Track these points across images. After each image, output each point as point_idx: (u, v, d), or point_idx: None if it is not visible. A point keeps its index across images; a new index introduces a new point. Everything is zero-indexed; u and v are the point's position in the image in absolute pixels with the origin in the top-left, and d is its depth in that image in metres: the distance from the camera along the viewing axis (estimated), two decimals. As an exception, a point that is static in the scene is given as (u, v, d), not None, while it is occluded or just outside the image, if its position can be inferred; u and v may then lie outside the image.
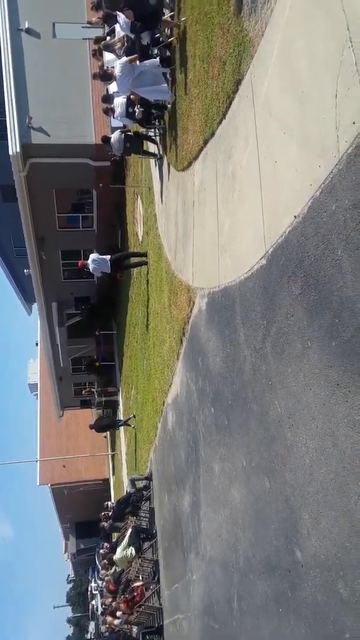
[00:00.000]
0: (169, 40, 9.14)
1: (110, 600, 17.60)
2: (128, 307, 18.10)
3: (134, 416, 17.41)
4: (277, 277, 4.65)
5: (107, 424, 21.23)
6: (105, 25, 11.16)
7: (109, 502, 19.48)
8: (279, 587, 4.80)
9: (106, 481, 38.17)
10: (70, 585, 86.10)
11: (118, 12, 8.86)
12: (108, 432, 28.73)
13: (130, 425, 18.32)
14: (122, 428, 22.95)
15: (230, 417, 6.28)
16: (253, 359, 5.35)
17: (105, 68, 9.93)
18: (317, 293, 3.91)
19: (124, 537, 14.25)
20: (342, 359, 3.57)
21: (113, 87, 10.16)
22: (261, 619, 5.35)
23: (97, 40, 10.78)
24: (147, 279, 13.30)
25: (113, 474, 32.66)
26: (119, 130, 11.47)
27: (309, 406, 4.10)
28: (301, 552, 4.28)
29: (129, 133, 11.41)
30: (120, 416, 22.96)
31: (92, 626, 69.10)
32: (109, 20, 10.33)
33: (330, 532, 3.80)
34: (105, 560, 18.32)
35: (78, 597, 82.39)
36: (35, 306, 29.36)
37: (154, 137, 11.28)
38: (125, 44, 9.55)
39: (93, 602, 55.83)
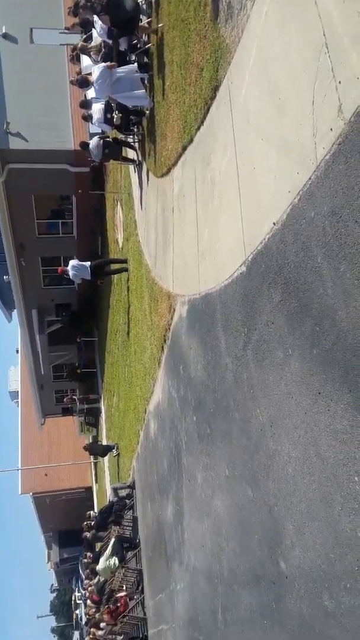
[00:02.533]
0: (147, 46, 9.10)
1: (93, 610, 17.38)
2: (109, 313, 17.98)
3: (117, 446, 17.40)
4: (257, 284, 4.61)
5: (99, 453, 20.99)
6: (83, 31, 11.09)
7: (92, 512, 19.23)
8: (263, 598, 4.73)
9: (89, 489, 37.82)
10: (54, 595, 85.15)
11: (95, 18, 8.80)
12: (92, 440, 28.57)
13: (113, 454, 18.27)
14: (104, 434, 22.80)
15: (212, 426, 6.22)
16: (234, 367, 5.30)
17: (82, 74, 9.84)
18: (298, 300, 3.87)
19: (107, 546, 14.07)
20: (323, 367, 3.54)
21: (91, 93, 10.08)
22: (246, 631, 5.28)
23: (75, 48, 10.71)
24: (127, 285, 13.21)
25: (96, 482, 32.37)
26: (98, 136, 11.40)
27: (290, 415, 4.05)
28: (285, 563, 4.23)
29: (108, 139, 11.35)
30: (104, 432, 22.94)
31: (76, 636, 68.34)
32: (87, 25, 10.26)
33: (314, 543, 3.75)
34: (88, 570, 18.08)
35: (62, 607, 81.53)
36: (15, 313, 29.00)
37: (132, 143, 11.22)
38: (102, 49, 9.49)
39: (77, 612, 55.28)
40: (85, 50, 10.10)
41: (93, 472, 34.50)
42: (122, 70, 8.92)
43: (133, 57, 9.29)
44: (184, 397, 7.61)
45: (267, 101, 4.27)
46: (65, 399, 29.80)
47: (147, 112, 9.39)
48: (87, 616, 20.11)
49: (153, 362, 9.97)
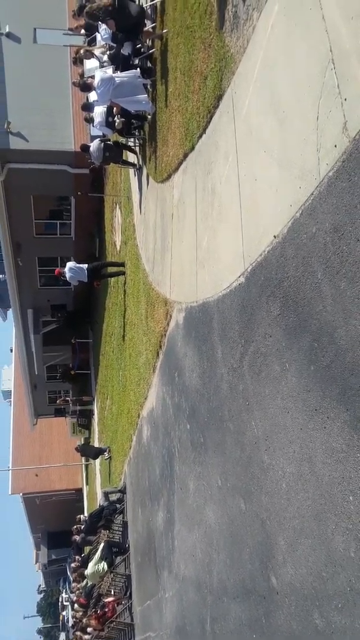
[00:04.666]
0: (150, 51, 9.09)
1: (81, 614, 17.29)
2: (105, 316, 17.92)
3: (109, 449, 17.35)
4: (256, 296, 4.59)
5: (91, 455, 20.87)
6: (87, 34, 11.08)
7: (82, 516, 19.13)
8: (253, 612, 4.70)
9: (79, 491, 37.66)
10: (41, 596, 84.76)
11: (100, 22, 8.78)
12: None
13: (105, 457, 18.20)
14: (97, 437, 22.72)
15: (206, 435, 6.18)
16: (230, 378, 5.28)
17: (85, 78, 9.83)
18: (296, 315, 3.85)
19: (96, 550, 14.00)
20: (320, 384, 3.51)
21: (93, 96, 10.06)
22: (234, 644, 5.24)
23: (78, 50, 10.70)
24: (124, 289, 13.17)
25: (87, 484, 32.23)
26: (99, 139, 11.37)
27: (286, 429, 4.03)
28: (276, 579, 4.20)
29: (109, 142, 11.32)
30: (96, 434, 22.85)
31: (62, 637, 67.98)
32: (91, 29, 10.25)
33: (306, 560, 3.72)
34: (76, 574, 18.00)
35: (49, 608, 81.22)
36: (10, 312, 28.90)
37: (133, 147, 11.20)
38: (108, 50, 9.50)
39: (64, 613, 55.02)
40: (88, 55, 10.08)
41: (84, 474, 34.37)
42: (124, 75, 8.90)
43: (136, 62, 9.28)
44: (178, 405, 7.57)
45: (271, 114, 4.26)
46: (58, 400, 29.69)
47: (149, 116, 9.37)
48: (74, 619, 20.02)
49: (148, 368, 9.94)
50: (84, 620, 14.78)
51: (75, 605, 18.12)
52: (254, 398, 4.67)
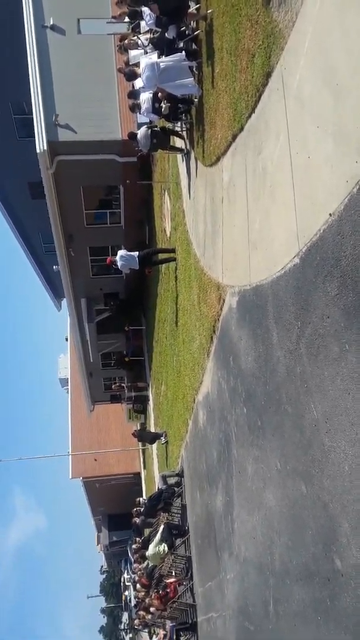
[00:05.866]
0: (195, 33, 8.97)
1: (143, 594, 17.73)
2: (157, 302, 18.06)
3: (166, 434, 17.54)
4: (312, 276, 4.50)
5: (148, 440, 21.22)
6: (130, 21, 11.06)
7: (141, 498, 19.55)
8: (317, 594, 4.68)
9: (137, 475, 38.42)
10: (104, 576, 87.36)
11: (143, 7, 8.74)
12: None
13: (162, 442, 18.42)
14: (152, 422, 23.06)
15: (263, 418, 6.16)
16: (287, 361, 5.22)
17: (130, 65, 9.83)
18: (355, 294, 3.76)
19: (156, 533, 14.28)
20: (383, 364, 3.42)
21: (139, 83, 10.06)
22: (299, 625, 5.25)
23: (123, 37, 10.70)
24: (175, 275, 13.21)
25: (144, 468, 32.84)
26: (146, 126, 11.37)
27: (347, 412, 3.96)
28: (341, 561, 4.16)
29: (156, 129, 11.31)
30: (152, 420, 23.16)
31: (125, 617, 70.00)
32: (134, 15, 10.22)
33: (372, 542, 3.67)
34: (137, 555, 18.44)
35: (111, 588, 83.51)
36: (64, 302, 29.59)
37: (180, 132, 11.14)
38: (152, 36, 9.45)
39: (126, 594, 56.51)
40: (131, 47, 10.08)
41: (141, 459, 35.02)
42: (169, 59, 8.84)
43: (181, 45, 9.19)
44: (233, 389, 7.57)
45: (324, 87, 4.13)
46: (113, 387, 30.30)
47: (196, 100, 9.29)
48: (137, 599, 20.56)
49: (202, 353, 9.96)
50: (147, 600, 15.16)
51: (138, 586, 18.59)
52: (312, 380, 4.61)
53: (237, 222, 7.03)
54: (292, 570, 5.36)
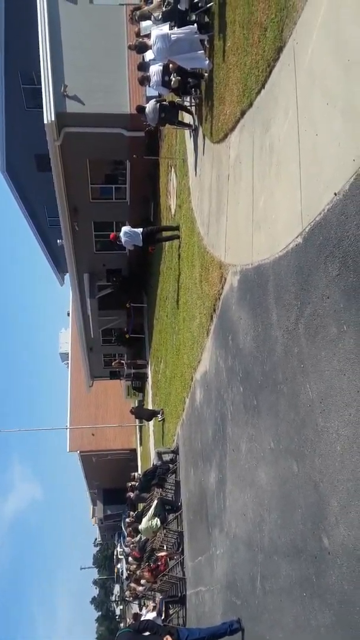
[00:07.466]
0: (208, 5, 8.78)
1: (134, 567, 18.05)
2: (159, 280, 18.02)
3: (162, 411, 17.65)
4: (314, 256, 4.47)
5: (145, 417, 21.34)
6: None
7: (136, 473, 19.79)
8: (304, 571, 4.75)
9: (133, 451, 38.83)
10: (97, 549, 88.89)
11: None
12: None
13: (158, 419, 18.56)
14: (150, 399, 23.22)
15: (259, 398, 6.18)
16: (285, 340, 5.22)
17: (140, 37, 9.65)
18: (356, 275, 3.73)
19: (150, 507, 14.47)
20: (380, 345, 3.41)
21: (149, 55, 9.89)
22: (284, 601, 5.33)
23: (135, 9, 10.49)
24: (178, 253, 13.15)
25: (140, 444, 33.15)
26: (154, 99, 11.20)
27: (342, 392, 3.96)
28: (328, 539, 4.21)
29: (164, 103, 11.14)
30: (149, 397, 23.31)
31: (117, 589, 71.42)
32: (147, -16, 10.00)
33: (359, 522, 3.70)
34: (130, 529, 18.73)
35: (104, 560, 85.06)
36: (67, 277, 29.56)
37: (189, 107, 10.98)
38: (164, 7, 9.25)
39: (118, 566, 57.59)
40: (144, 17, 9.87)
41: (138, 435, 35.34)
42: (181, 31, 8.68)
43: (193, 17, 9.01)
44: (231, 368, 7.59)
45: (336, 63, 4.05)
46: (113, 363, 30.43)
47: (206, 74, 9.13)
48: (129, 571, 20.96)
49: (202, 331, 9.97)
50: (138, 572, 15.45)
51: (130, 559, 18.94)
52: (309, 360, 4.61)
53: (242, 201, 6.97)
54: (280, 547, 5.43)
